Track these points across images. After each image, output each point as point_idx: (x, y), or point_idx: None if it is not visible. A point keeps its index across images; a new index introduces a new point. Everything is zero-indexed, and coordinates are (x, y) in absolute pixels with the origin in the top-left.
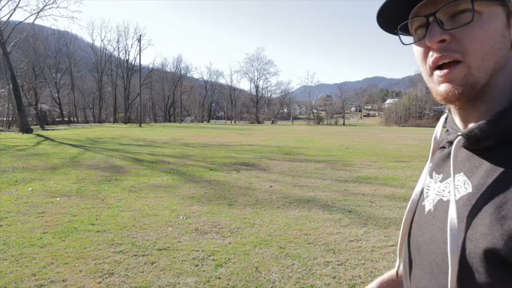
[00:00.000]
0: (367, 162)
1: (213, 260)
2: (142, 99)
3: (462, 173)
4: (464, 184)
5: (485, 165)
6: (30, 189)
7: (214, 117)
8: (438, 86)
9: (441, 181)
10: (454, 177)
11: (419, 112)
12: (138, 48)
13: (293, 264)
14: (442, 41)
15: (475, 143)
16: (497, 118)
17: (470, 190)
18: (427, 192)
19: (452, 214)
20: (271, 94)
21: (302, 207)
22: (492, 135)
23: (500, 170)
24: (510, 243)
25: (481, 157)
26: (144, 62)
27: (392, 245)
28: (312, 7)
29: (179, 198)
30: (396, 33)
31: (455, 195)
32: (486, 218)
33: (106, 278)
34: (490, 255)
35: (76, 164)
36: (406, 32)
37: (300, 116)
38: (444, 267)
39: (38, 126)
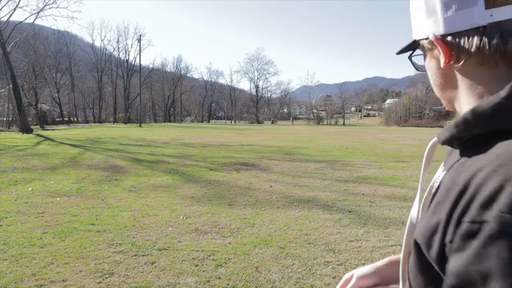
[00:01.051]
0: (367, 162)
1: (213, 260)
2: (142, 99)
3: (442, 166)
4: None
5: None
6: (30, 189)
7: (214, 117)
8: None
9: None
10: (423, 173)
11: (419, 112)
12: (138, 48)
13: (293, 264)
14: None
15: (444, 144)
16: (451, 126)
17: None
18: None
19: (414, 210)
20: (271, 94)
21: (302, 207)
22: (449, 140)
23: (450, 167)
24: (425, 238)
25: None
26: (144, 62)
27: (392, 245)
28: (312, 7)
29: (179, 198)
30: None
31: (421, 190)
32: (425, 214)
33: (106, 278)
34: (416, 245)
35: (76, 164)
36: None
37: (300, 116)
38: None
39: (38, 126)
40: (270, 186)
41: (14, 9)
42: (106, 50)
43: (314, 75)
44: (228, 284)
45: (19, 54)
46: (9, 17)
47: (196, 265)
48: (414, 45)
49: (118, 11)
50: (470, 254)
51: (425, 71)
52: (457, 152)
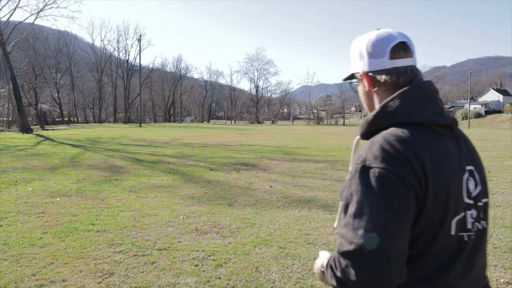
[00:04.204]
0: None
1: (213, 260)
2: (142, 99)
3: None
4: None
5: None
6: (30, 189)
7: (214, 117)
8: None
9: None
10: (352, 161)
11: None
12: (138, 48)
13: (293, 264)
14: None
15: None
16: (361, 127)
17: None
18: None
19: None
20: (271, 94)
21: (302, 207)
22: (362, 135)
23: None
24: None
25: None
26: (144, 62)
27: None
28: (312, 7)
29: (179, 198)
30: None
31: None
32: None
33: (106, 278)
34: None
35: (76, 164)
36: None
37: (300, 116)
38: None
39: (38, 126)
40: (270, 186)
41: (14, 9)
42: (106, 50)
43: (314, 75)
44: (228, 284)
45: (19, 54)
46: (9, 17)
47: (196, 265)
48: (351, 76)
49: (118, 11)
50: (346, 184)
51: (357, 91)
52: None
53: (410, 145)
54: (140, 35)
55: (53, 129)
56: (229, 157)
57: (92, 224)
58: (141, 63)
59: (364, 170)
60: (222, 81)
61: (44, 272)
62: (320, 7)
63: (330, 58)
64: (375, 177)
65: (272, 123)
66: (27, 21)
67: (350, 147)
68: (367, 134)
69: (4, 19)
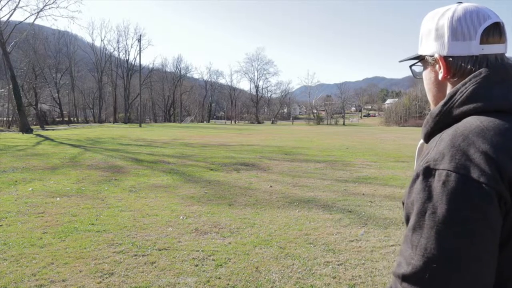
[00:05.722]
0: (367, 162)
1: (213, 260)
2: (142, 99)
3: None
4: None
5: None
6: (30, 189)
7: (214, 117)
8: None
9: None
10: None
11: (419, 112)
12: (138, 48)
13: (293, 264)
14: None
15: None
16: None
17: None
18: None
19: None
20: (271, 94)
21: (302, 207)
22: (426, 136)
23: None
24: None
25: None
26: (144, 62)
27: (392, 245)
28: (312, 7)
29: (179, 198)
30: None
31: None
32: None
33: (106, 278)
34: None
35: (76, 164)
36: None
37: (300, 116)
38: None
39: (38, 126)
40: (270, 186)
41: (14, 9)
42: (106, 50)
43: (314, 75)
44: (228, 284)
45: (19, 54)
46: (9, 17)
47: (196, 265)
48: (417, 58)
49: (118, 11)
50: (406, 191)
51: (421, 78)
52: None
53: (492, 138)
54: (140, 35)
55: (53, 129)
56: (229, 157)
57: (92, 224)
58: (141, 63)
59: (427, 173)
60: (222, 81)
61: (44, 272)
62: (320, 7)
63: (330, 58)
64: (441, 182)
65: (272, 123)
66: (27, 21)
67: (350, 147)
68: (433, 133)
69: (4, 19)
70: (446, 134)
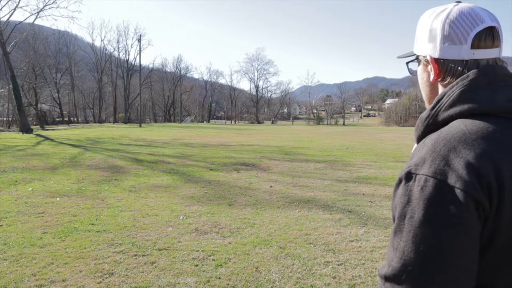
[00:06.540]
0: (367, 162)
1: (213, 260)
2: (142, 99)
3: None
4: None
5: None
6: (30, 189)
7: (214, 117)
8: None
9: None
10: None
11: (419, 112)
12: (138, 48)
13: (293, 264)
14: None
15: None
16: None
17: None
18: None
19: None
20: (271, 94)
21: (302, 207)
22: (418, 140)
23: None
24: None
25: None
26: (144, 62)
27: None
28: (312, 7)
29: (179, 198)
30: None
31: None
32: None
33: (106, 278)
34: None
35: (76, 164)
36: None
37: (300, 116)
38: None
39: (38, 126)
40: (270, 186)
41: (14, 9)
42: (106, 50)
43: (314, 75)
44: (228, 284)
45: (19, 54)
46: (9, 17)
47: (196, 265)
48: (413, 55)
49: (118, 11)
50: (392, 195)
51: (416, 76)
52: None
53: (474, 143)
54: (140, 35)
55: (53, 129)
56: (229, 157)
57: (92, 224)
58: (141, 63)
59: (408, 178)
60: (222, 81)
61: (44, 272)
62: (319, 7)
63: (330, 58)
64: (420, 186)
65: (272, 123)
66: (27, 21)
67: (350, 147)
68: (424, 137)
69: (4, 19)
70: (430, 139)
